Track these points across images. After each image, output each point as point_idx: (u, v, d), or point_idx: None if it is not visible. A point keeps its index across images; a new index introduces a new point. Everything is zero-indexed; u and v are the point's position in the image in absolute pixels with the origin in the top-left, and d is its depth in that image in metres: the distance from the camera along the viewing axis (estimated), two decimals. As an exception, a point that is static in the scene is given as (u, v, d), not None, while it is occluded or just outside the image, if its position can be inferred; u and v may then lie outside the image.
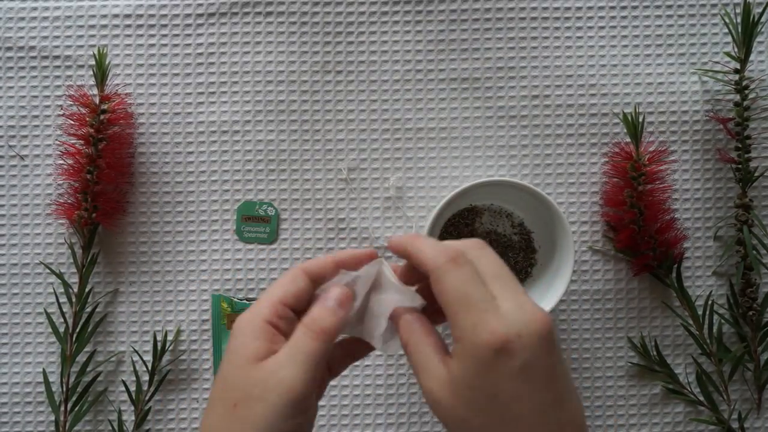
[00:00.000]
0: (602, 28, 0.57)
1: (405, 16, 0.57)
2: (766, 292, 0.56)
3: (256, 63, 0.56)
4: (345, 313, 0.33)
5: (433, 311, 0.34)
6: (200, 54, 0.56)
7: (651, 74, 0.57)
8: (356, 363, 0.55)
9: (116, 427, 0.54)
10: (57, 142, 0.56)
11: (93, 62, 0.55)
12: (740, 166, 0.55)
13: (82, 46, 0.56)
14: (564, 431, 0.29)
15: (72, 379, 0.54)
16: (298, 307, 0.33)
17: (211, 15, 0.56)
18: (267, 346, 0.31)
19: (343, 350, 0.37)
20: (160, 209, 0.56)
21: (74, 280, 0.55)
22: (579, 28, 0.57)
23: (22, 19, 0.56)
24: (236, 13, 0.56)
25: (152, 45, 0.56)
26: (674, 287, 0.55)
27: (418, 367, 0.31)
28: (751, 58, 0.57)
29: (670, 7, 0.57)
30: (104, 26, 0.56)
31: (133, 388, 0.55)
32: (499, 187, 0.52)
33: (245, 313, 0.33)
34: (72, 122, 0.53)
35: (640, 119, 0.53)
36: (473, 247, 0.32)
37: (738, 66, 0.55)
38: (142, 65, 0.56)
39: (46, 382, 0.54)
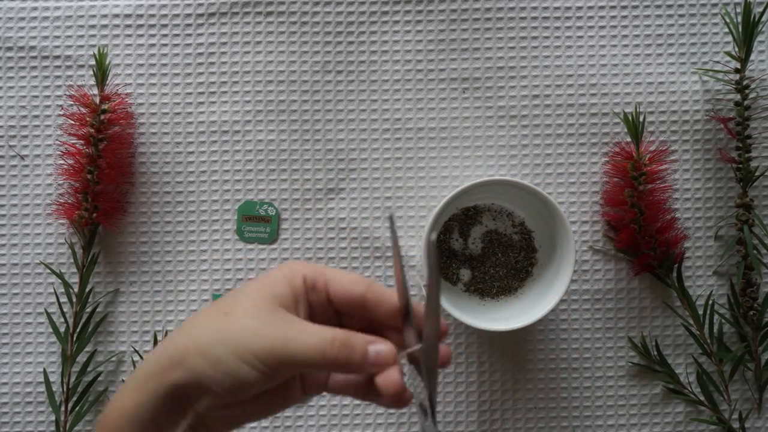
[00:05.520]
0: (602, 28, 0.57)
1: (405, 16, 0.57)
2: (767, 291, 0.56)
3: (256, 63, 0.56)
4: None
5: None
6: (200, 54, 0.56)
7: (651, 74, 0.57)
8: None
9: (117, 427, 0.54)
10: (57, 142, 0.56)
11: (93, 62, 0.55)
12: (741, 165, 0.55)
13: (82, 46, 0.56)
14: None
15: (72, 379, 0.54)
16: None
17: (211, 15, 0.56)
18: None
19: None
20: (160, 209, 0.56)
21: (75, 280, 0.55)
22: (579, 28, 0.57)
23: (22, 19, 0.56)
24: (236, 13, 0.56)
25: (152, 45, 0.56)
26: (675, 287, 0.55)
27: None
28: (752, 57, 0.57)
29: (670, 6, 0.57)
30: (104, 26, 0.56)
31: (133, 388, 0.55)
32: (499, 186, 0.52)
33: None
34: (72, 122, 0.53)
35: (641, 119, 0.53)
36: None
37: (738, 65, 0.55)
38: (142, 65, 0.56)
39: (47, 382, 0.54)
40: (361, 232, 0.56)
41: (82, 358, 0.55)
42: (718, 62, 0.57)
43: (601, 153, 0.57)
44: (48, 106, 0.56)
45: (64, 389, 0.53)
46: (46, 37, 0.56)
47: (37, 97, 0.56)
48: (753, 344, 0.55)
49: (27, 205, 0.56)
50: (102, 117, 0.52)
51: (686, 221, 0.57)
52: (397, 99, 0.57)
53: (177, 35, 0.56)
